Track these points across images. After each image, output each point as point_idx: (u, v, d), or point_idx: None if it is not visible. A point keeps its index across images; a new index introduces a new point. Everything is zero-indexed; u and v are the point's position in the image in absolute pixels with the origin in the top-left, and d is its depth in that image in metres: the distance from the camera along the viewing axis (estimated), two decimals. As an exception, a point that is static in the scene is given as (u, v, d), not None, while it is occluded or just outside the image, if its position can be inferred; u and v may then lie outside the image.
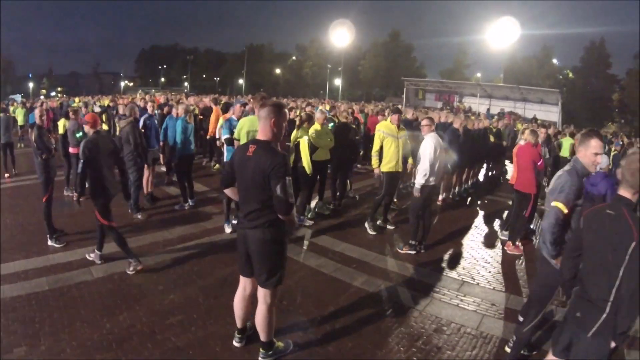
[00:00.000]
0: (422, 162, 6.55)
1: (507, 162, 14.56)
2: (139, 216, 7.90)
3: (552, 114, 34.09)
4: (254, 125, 5.95)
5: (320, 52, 69.36)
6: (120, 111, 11.37)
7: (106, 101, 27.79)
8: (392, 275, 5.97)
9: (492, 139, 12.57)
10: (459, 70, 64.26)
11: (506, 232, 7.75)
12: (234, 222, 7.11)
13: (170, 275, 5.60)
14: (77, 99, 23.06)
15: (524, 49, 56.89)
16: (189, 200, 8.64)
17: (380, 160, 7.41)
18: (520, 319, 4.26)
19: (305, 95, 57.54)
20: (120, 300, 4.86)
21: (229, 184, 3.80)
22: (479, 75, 62.96)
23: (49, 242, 6.44)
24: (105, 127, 13.02)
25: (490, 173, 13.95)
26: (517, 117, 31.60)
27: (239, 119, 6.88)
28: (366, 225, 7.71)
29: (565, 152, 13.11)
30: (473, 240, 7.78)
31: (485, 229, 8.53)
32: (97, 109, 20.37)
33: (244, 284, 3.90)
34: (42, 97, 55.49)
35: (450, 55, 69.53)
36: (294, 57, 78.43)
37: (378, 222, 7.93)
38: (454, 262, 6.64)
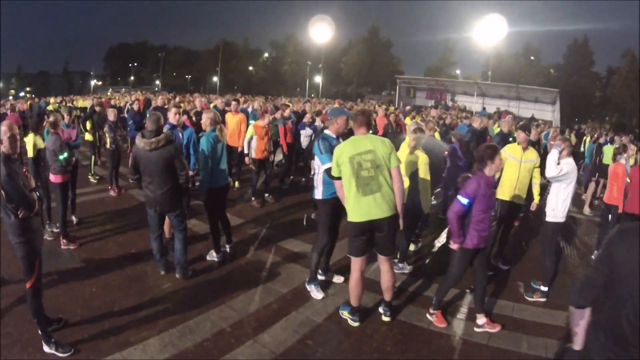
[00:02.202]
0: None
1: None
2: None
3: (546, 112, 33.43)
4: (358, 147, 4.26)
5: (299, 48, 67.62)
6: (111, 118, 9.35)
7: (81, 101, 25.40)
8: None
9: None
10: (444, 68, 63.33)
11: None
12: (320, 276, 5.53)
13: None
14: (51, 100, 20.39)
15: (507, 47, 56.36)
16: (226, 246, 6.38)
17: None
18: None
19: (282, 93, 55.71)
20: None
21: None
22: (458, 72, 62.57)
23: (47, 350, 3.90)
24: (89, 137, 10.94)
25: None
26: (513, 116, 30.54)
27: (338, 137, 4.92)
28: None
29: (607, 160, 11.88)
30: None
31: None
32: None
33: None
34: (10, 97, 52.45)
35: (433, 53, 69.14)
36: (266, 54, 76.55)
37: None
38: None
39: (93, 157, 10.90)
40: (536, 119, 28.73)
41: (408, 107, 26.35)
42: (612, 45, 52.74)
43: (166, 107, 11.40)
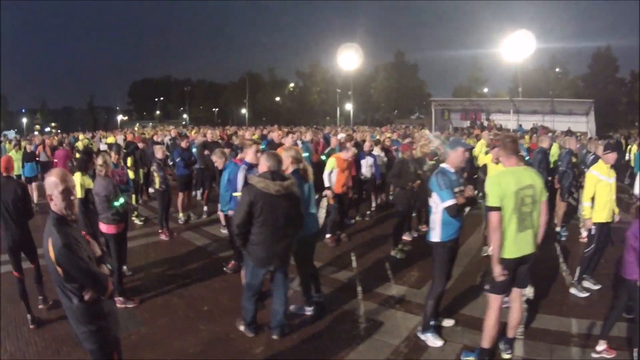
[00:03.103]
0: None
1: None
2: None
3: (581, 124, 32.60)
4: (520, 181, 4.04)
5: (327, 76, 67.95)
6: (159, 155, 8.60)
7: (111, 138, 25.07)
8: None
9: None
10: (474, 87, 63.12)
11: None
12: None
13: None
14: (80, 135, 19.98)
15: (532, 61, 55.57)
16: (316, 296, 5.48)
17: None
18: None
19: (310, 122, 55.42)
20: None
21: None
22: (486, 90, 61.70)
23: None
24: (131, 175, 10.17)
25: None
26: (548, 130, 29.61)
27: (456, 170, 4.66)
28: (573, 291, 5.97)
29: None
30: None
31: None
32: (103, 147, 17.62)
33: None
34: (36, 132, 53.33)
35: (458, 73, 68.60)
36: (292, 84, 76.67)
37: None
38: None
39: (135, 196, 10.62)
40: (573, 132, 28.05)
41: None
42: (634, 52, 51.35)
43: (218, 141, 10.87)
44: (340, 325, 5.04)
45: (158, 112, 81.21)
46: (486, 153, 11.36)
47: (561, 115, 34.27)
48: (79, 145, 15.86)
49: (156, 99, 79.71)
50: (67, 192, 2.82)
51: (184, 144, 10.27)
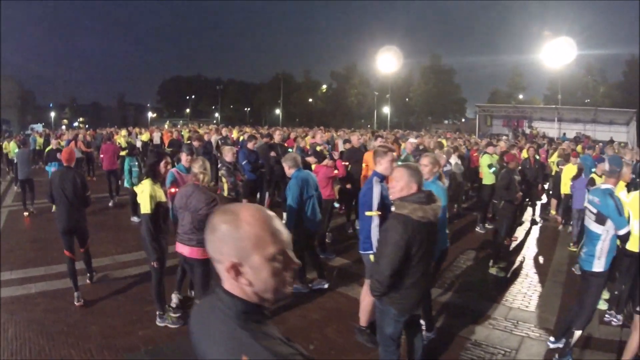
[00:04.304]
0: None
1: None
2: None
3: (621, 134, 32.39)
4: None
5: (364, 78, 67.71)
6: (228, 158, 7.87)
7: (146, 134, 24.72)
8: None
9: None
10: (513, 93, 62.41)
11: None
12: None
13: None
14: (122, 132, 19.84)
15: (569, 69, 54.27)
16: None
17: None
18: None
19: (344, 124, 54.77)
20: None
21: None
22: (521, 97, 61.12)
23: None
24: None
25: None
26: (590, 140, 28.84)
27: None
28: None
29: None
30: None
31: None
32: (138, 144, 17.26)
33: None
34: (63, 127, 53.68)
35: (492, 78, 67.07)
36: (324, 86, 76.45)
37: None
38: None
39: None
40: (614, 141, 27.69)
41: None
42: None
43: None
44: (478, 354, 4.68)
45: (188, 110, 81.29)
46: (558, 164, 10.82)
47: (602, 125, 34.12)
48: (121, 141, 15.40)
49: (187, 97, 79.75)
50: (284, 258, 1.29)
51: (250, 146, 9.44)
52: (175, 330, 4.99)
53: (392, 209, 3.64)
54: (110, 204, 11.56)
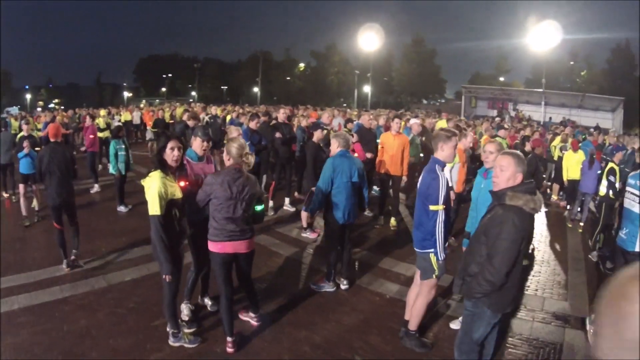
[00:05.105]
0: None
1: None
2: None
3: (607, 121, 32.35)
4: None
5: (344, 57, 66.85)
6: None
7: (126, 114, 23.57)
8: None
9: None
10: (497, 76, 62.02)
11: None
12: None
13: None
14: (102, 111, 18.82)
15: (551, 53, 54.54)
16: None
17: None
18: None
19: (323, 103, 54.02)
20: None
21: None
22: (502, 79, 60.95)
23: None
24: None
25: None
26: (576, 125, 28.95)
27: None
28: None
29: None
30: None
31: None
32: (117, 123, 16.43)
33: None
34: (39, 109, 51.94)
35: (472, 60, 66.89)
36: (301, 65, 75.07)
37: None
38: None
39: None
40: (600, 128, 27.27)
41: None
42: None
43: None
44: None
45: (164, 89, 79.30)
46: (561, 149, 10.90)
47: (588, 110, 34.28)
48: (100, 122, 14.42)
49: (164, 76, 77.68)
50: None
51: (253, 125, 8.36)
52: (193, 351, 4.20)
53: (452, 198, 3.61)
54: (92, 191, 10.72)
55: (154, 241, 3.89)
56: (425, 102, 67.58)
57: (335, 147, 5.52)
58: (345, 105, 57.95)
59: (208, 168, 4.80)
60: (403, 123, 10.32)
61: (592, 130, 21.83)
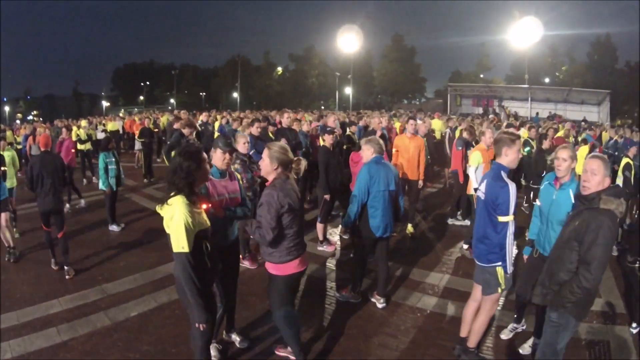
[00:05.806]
0: None
1: None
2: None
3: (593, 114, 32.97)
4: None
5: (324, 59, 66.63)
6: (242, 149, 6.04)
7: (111, 124, 22.54)
8: None
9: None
10: (479, 73, 62.36)
11: None
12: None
13: None
14: (83, 122, 17.93)
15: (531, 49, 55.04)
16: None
17: None
18: None
19: (305, 105, 53.53)
20: None
21: None
22: (482, 76, 61.42)
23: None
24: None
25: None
26: (562, 119, 29.04)
27: None
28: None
29: None
30: None
31: None
32: (101, 135, 15.58)
33: None
34: (18, 121, 50.60)
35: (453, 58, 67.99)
36: (279, 68, 74.24)
37: None
38: None
39: None
40: (587, 121, 27.80)
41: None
42: (632, 42, 50.88)
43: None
44: None
45: (142, 98, 78.17)
46: None
47: (573, 104, 34.72)
48: (81, 133, 13.59)
49: (141, 84, 76.49)
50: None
51: (254, 131, 7.71)
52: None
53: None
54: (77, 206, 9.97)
55: (181, 283, 3.07)
56: (405, 101, 67.53)
57: (370, 154, 5.10)
58: (323, 107, 57.75)
59: (232, 186, 4.09)
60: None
61: (592, 126, 21.91)
